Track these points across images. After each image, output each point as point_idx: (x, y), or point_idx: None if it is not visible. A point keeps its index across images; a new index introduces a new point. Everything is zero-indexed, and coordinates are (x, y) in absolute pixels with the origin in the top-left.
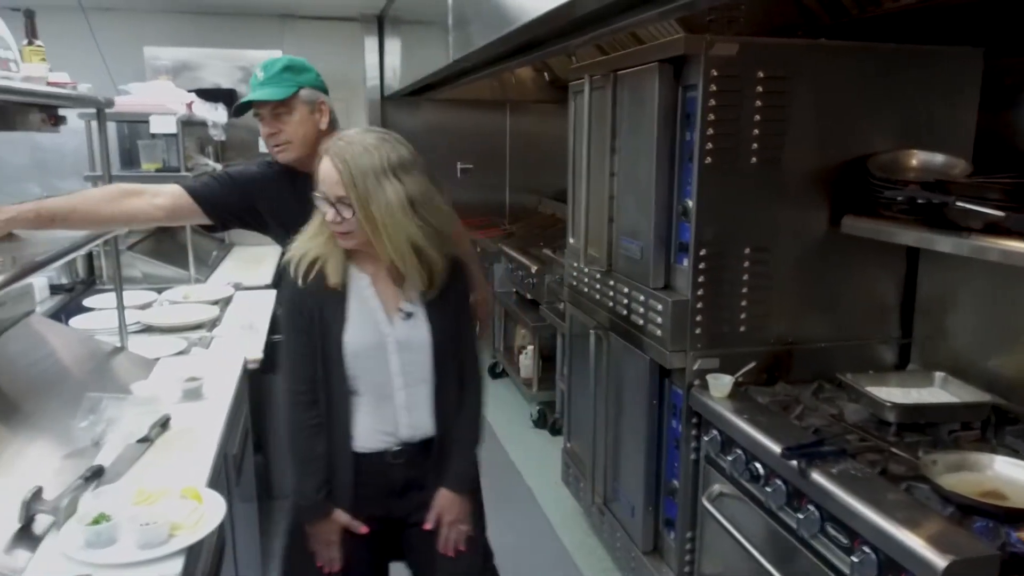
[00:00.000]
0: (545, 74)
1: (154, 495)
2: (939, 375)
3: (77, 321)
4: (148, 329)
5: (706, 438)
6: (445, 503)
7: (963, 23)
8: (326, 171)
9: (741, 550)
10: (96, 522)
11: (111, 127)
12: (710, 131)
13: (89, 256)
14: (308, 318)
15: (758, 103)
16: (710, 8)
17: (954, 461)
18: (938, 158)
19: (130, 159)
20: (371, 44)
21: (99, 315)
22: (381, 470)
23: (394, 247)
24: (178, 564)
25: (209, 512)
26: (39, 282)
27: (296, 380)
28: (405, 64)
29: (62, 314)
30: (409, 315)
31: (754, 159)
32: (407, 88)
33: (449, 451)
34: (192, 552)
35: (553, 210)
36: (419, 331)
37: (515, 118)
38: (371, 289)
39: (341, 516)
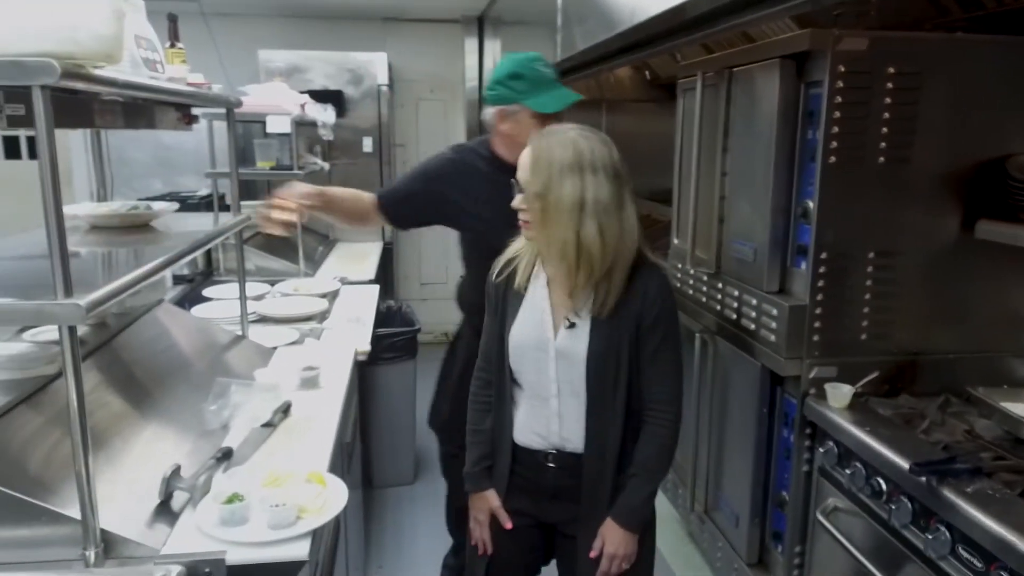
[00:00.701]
0: (646, 72)
1: (282, 478)
2: None
3: (198, 310)
4: (263, 319)
5: (821, 450)
6: (608, 533)
7: None
8: (523, 158)
9: (855, 567)
10: (230, 501)
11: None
12: (835, 129)
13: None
14: (495, 307)
15: (888, 100)
16: (838, 3)
17: None
18: None
19: (244, 157)
20: (471, 45)
21: (218, 304)
22: (535, 469)
23: (552, 243)
24: (305, 545)
25: (333, 497)
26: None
27: (482, 358)
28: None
29: (184, 303)
30: (572, 325)
31: (882, 159)
32: None
33: (605, 475)
34: (316, 535)
35: (648, 210)
36: (577, 343)
37: (611, 117)
38: (545, 291)
39: (493, 498)
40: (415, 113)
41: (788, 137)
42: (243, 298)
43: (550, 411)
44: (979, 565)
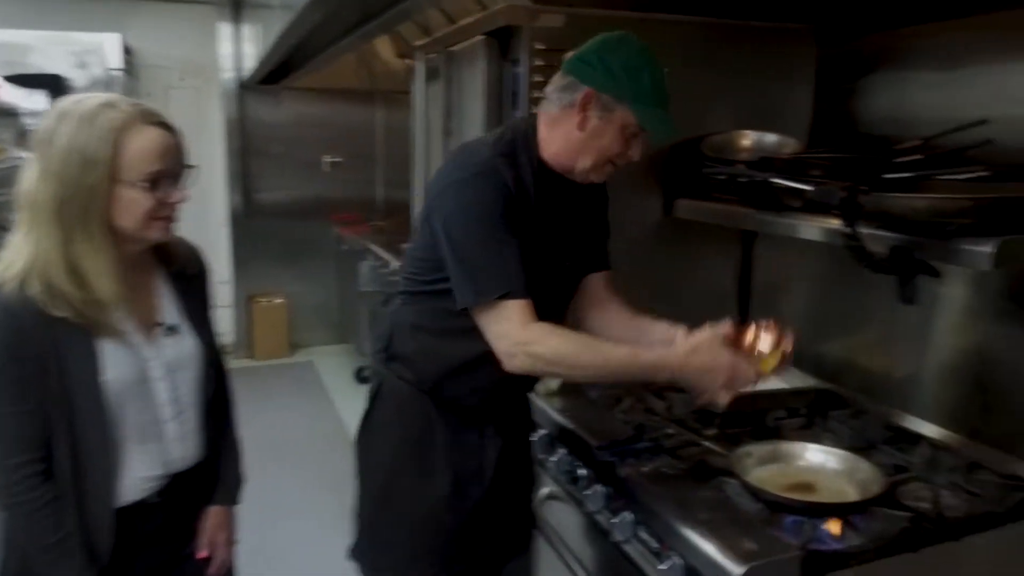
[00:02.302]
0: (407, 60)
1: None
2: None
3: None
4: None
5: (534, 437)
6: (221, 521)
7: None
8: (164, 141)
9: (567, 558)
10: None
11: None
12: (535, 108)
13: None
14: (37, 362)
15: None
16: None
17: (768, 453)
18: (770, 138)
19: None
20: (226, 31)
21: None
22: (140, 520)
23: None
24: None
25: None
26: None
27: (20, 451)
28: (259, 48)
29: None
30: (172, 328)
31: None
32: (260, 73)
33: (216, 467)
34: None
35: None
36: (186, 345)
37: (387, 109)
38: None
39: None
40: (164, 102)
41: (496, 119)
42: None
43: (166, 441)
44: (655, 545)
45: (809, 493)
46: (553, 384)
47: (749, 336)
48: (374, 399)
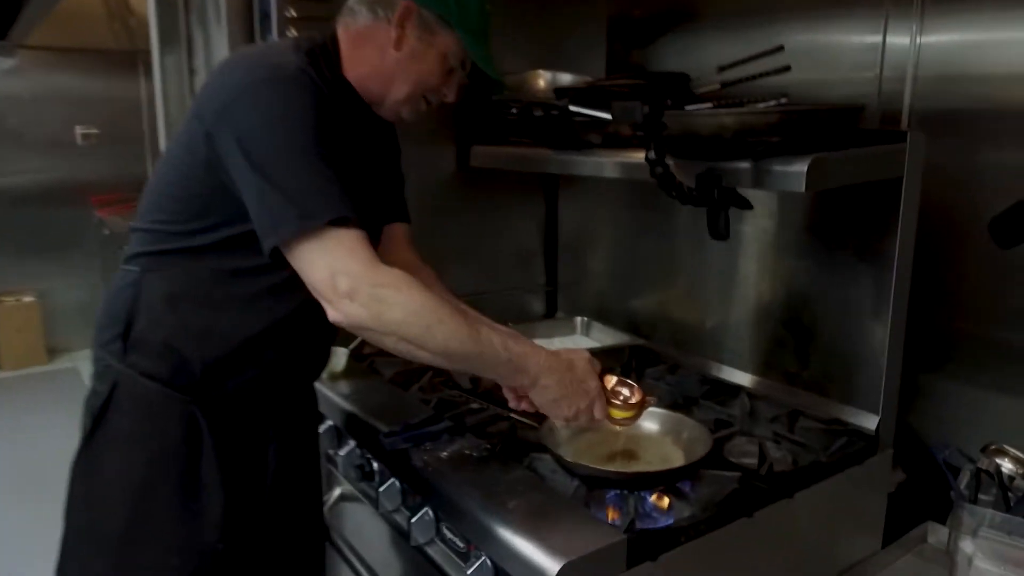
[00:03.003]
0: None
1: None
2: (580, 320)
3: None
4: None
5: (321, 429)
6: None
7: None
8: None
9: (367, 571)
10: None
11: None
12: (293, 32)
13: None
14: None
15: None
16: None
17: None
18: (565, 78)
19: None
20: None
21: None
22: None
23: None
24: None
25: None
26: None
27: None
28: None
29: None
30: None
31: None
32: None
33: None
34: None
35: None
36: None
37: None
38: None
39: None
40: None
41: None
42: None
43: None
44: (461, 546)
45: (632, 462)
46: (338, 364)
47: (611, 382)
48: (104, 409)
